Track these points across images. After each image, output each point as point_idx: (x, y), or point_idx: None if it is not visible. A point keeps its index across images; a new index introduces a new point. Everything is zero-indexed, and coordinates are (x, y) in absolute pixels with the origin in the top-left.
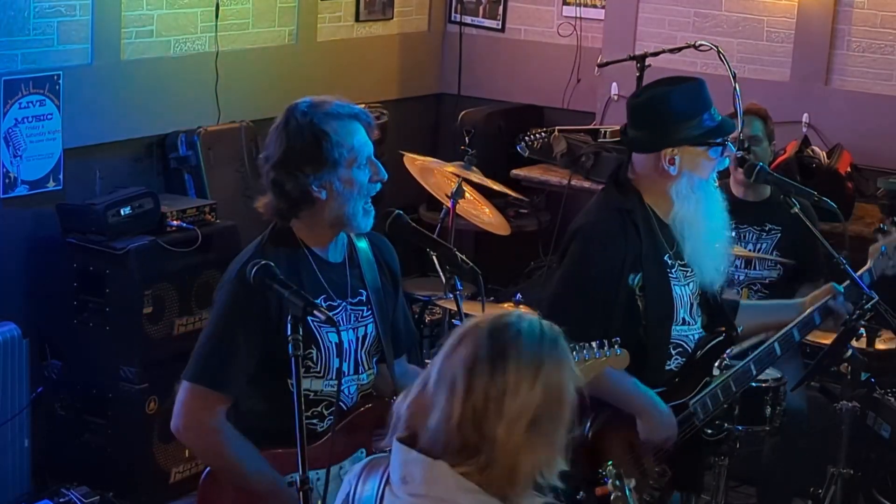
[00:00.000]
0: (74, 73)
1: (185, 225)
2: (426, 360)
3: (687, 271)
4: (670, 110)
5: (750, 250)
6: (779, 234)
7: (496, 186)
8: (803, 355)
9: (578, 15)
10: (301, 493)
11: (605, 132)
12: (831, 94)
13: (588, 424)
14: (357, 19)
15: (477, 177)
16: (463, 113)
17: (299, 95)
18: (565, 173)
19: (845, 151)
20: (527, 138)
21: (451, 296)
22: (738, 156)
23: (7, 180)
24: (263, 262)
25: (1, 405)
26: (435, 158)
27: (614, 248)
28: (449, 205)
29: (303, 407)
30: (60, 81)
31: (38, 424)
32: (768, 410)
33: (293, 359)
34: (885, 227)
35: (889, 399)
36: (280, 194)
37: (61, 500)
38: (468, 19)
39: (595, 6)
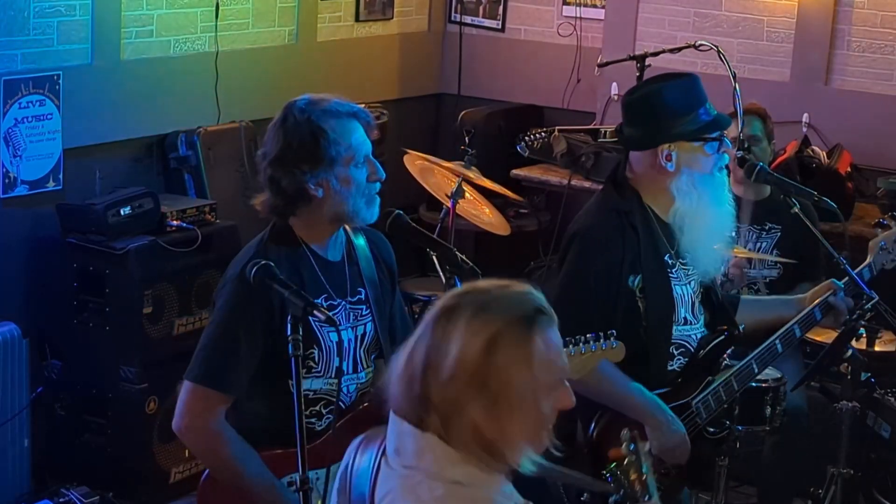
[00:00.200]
0: (74, 73)
1: (185, 225)
2: None
3: (688, 270)
4: (664, 106)
5: (750, 250)
6: (779, 234)
7: (496, 188)
8: (803, 355)
9: (578, 15)
10: (301, 493)
11: (605, 132)
12: (831, 94)
13: (593, 424)
14: (357, 19)
15: (476, 176)
16: (463, 113)
17: (299, 95)
18: (565, 173)
19: (845, 151)
20: (527, 138)
21: None
22: (739, 156)
23: (7, 180)
24: (263, 261)
25: (1, 405)
26: (436, 157)
27: (612, 251)
28: (449, 205)
29: (303, 407)
30: (60, 81)
31: (38, 424)
32: (768, 410)
33: (293, 359)
34: (885, 222)
35: (889, 399)
36: (277, 191)
37: (61, 500)
38: (468, 19)
39: (595, 6)
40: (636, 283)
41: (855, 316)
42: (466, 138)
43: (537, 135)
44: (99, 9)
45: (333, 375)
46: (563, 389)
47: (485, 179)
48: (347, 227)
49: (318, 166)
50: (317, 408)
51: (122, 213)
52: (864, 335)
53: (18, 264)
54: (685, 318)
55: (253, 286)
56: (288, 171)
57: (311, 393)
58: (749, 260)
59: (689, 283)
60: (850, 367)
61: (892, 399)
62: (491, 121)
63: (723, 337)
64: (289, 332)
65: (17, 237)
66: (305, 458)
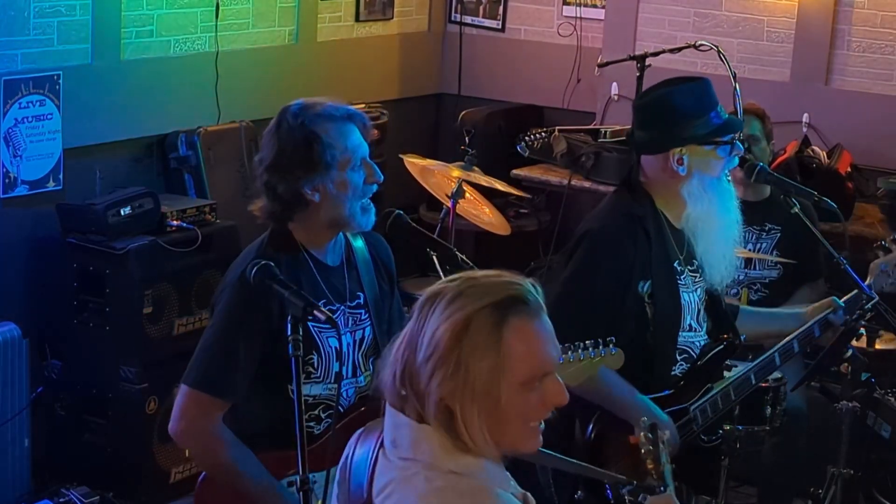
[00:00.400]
0: (74, 73)
1: (185, 225)
2: None
3: (696, 277)
4: (676, 109)
5: (749, 250)
6: (778, 234)
7: (499, 185)
8: (803, 355)
9: (578, 15)
10: (301, 493)
11: (606, 132)
12: (831, 94)
13: (590, 427)
14: (357, 19)
15: (476, 177)
16: (463, 113)
17: (299, 95)
18: (565, 173)
19: (845, 151)
20: (527, 138)
21: None
22: (742, 153)
23: (7, 180)
24: (263, 262)
25: (1, 405)
26: (436, 161)
27: (622, 255)
28: (449, 205)
29: (303, 408)
30: (60, 81)
31: (38, 424)
32: (768, 410)
33: (293, 359)
34: (886, 245)
35: (889, 399)
36: (273, 197)
37: (61, 500)
38: (468, 19)
39: (595, 6)
40: (646, 288)
41: (855, 316)
42: (466, 138)
43: (537, 135)
44: (99, 9)
45: (333, 381)
46: (549, 383)
47: (488, 178)
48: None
49: (313, 171)
50: (316, 412)
51: (122, 213)
52: (864, 335)
53: (18, 264)
54: (690, 325)
55: (253, 291)
56: (284, 177)
57: (311, 398)
58: (749, 260)
59: (696, 289)
60: (850, 367)
61: (892, 399)
62: (491, 121)
63: (724, 346)
64: (289, 333)
65: (17, 237)
66: (306, 458)
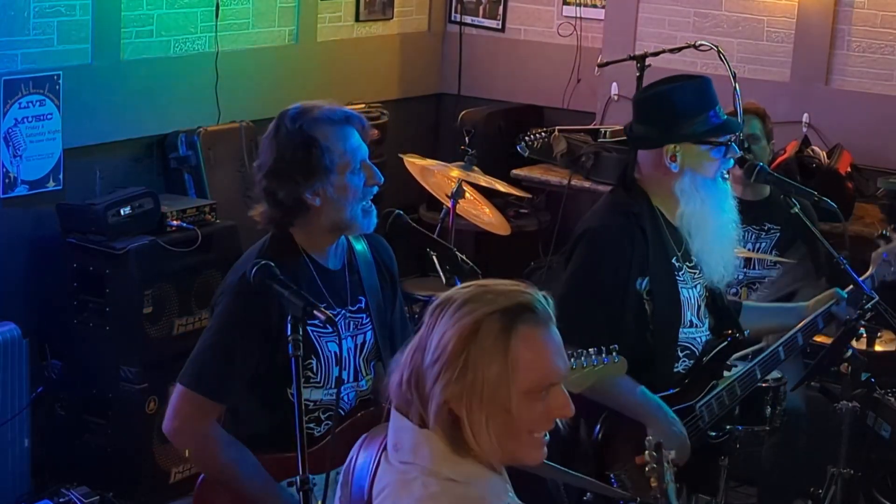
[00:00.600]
0: (74, 73)
1: (185, 225)
2: None
3: (695, 273)
4: (673, 106)
5: (749, 249)
6: (778, 234)
7: (499, 186)
8: (804, 355)
9: (578, 15)
10: (301, 493)
11: (606, 132)
12: (831, 94)
13: (598, 426)
14: (357, 19)
15: (476, 177)
16: (463, 113)
17: (299, 95)
18: (565, 173)
19: (845, 151)
20: (527, 138)
21: None
22: (738, 155)
23: (7, 180)
24: (263, 262)
25: (1, 405)
26: (436, 160)
27: (620, 253)
28: (449, 205)
29: (303, 408)
30: (60, 81)
31: (38, 424)
32: (768, 410)
33: (293, 359)
34: (887, 234)
35: (889, 399)
36: (274, 203)
37: (61, 500)
38: (468, 19)
39: (595, 6)
40: (644, 285)
41: (855, 316)
42: (466, 138)
43: (537, 135)
44: (99, 9)
45: (333, 386)
46: (554, 395)
47: (487, 178)
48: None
49: (313, 176)
50: (316, 414)
51: (122, 213)
52: (864, 335)
53: (18, 264)
54: (691, 322)
55: (252, 294)
56: (284, 182)
57: (311, 403)
58: (748, 260)
59: (696, 286)
60: (850, 367)
61: (892, 399)
62: (491, 121)
63: (727, 342)
64: (288, 333)
65: (17, 237)
66: (306, 458)
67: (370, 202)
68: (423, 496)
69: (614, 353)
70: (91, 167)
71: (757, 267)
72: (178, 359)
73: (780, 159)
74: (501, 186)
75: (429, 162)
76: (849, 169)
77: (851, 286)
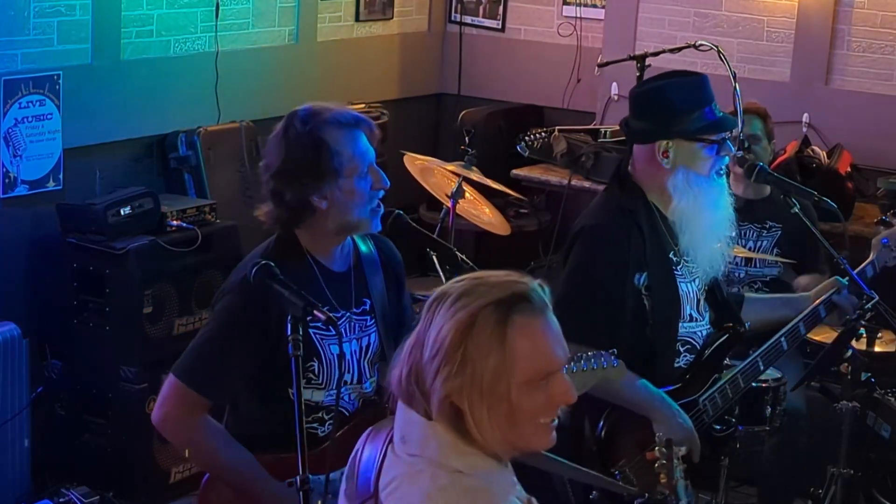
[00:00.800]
0: (74, 73)
1: (185, 225)
2: None
3: (692, 267)
4: (666, 102)
5: (750, 248)
6: (779, 232)
7: (497, 186)
8: (803, 355)
9: (578, 15)
10: (301, 492)
11: (606, 132)
12: (831, 94)
13: (601, 422)
14: (357, 19)
15: (477, 176)
16: (463, 113)
17: (299, 95)
18: (565, 173)
19: (845, 151)
20: (527, 138)
21: None
22: (739, 155)
23: (7, 180)
24: (264, 262)
25: (1, 405)
26: (436, 160)
27: (618, 250)
28: (449, 205)
29: (303, 408)
30: (60, 81)
31: (38, 424)
32: (768, 410)
33: (293, 359)
34: (887, 219)
35: (889, 399)
36: (280, 204)
37: (61, 500)
38: (468, 19)
39: (595, 6)
40: (642, 281)
41: (855, 316)
42: (466, 138)
43: (537, 135)
44: (99, 9)
45: (335, 388)
46: (555, 382)
47: (483, 178)
48: (354, 235)
49: (321, 179)
50: (319, 415)
51: (122, 213)
52: (864, 335)
53: (18, 264)
54: (691, 316)
55: (253, 295)
56: (291, 184)
57: (314, 404)
58: (749, 258)
59: (694, 280)
60: (850, 367)
61: (892, 399)
62: (491, 121)
63: (728, 335)
64: (288, 332)
65: (17, 237)
66: (306, 458)
67: (380, 203)
68: (431, 489)
69: (612, 357)
70: (91, 167)
71: (758, 265)
72: (178, 359)
73: (780, 159)
74: (500, 187)
75: (428, 160)
76: (849, 169)
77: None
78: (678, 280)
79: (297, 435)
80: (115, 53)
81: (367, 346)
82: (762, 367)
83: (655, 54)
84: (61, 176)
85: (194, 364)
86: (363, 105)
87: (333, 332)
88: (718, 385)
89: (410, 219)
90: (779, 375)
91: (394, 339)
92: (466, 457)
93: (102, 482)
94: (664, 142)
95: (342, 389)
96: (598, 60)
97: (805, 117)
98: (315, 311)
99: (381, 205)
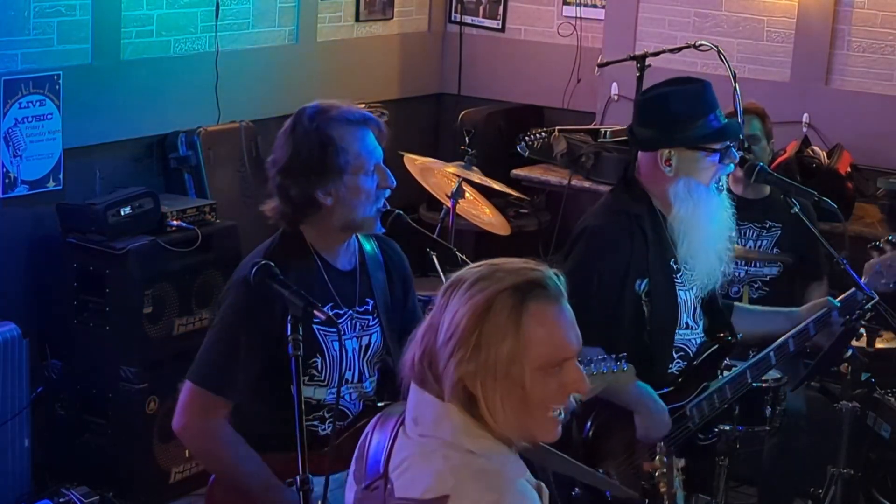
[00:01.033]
0: (74, 73)
1: (185, 225)
2: None
3: (691, 275)
4: (669, 111)
5: (750, 247)
6: (779, 231)
7: (497, 186)
8: (803, 355)
9: (578, 15)
10: (301, 492)
11: (606, 132)
12: (831, 94)
13: (589, 423)
14: (357, 19)
15: (478, 177)
16: (463, 113)
17: (299, 95)
18: (565, 173)
19: (845, 151)
20: (527, 138)
21: None
22: (737, 160)
23: (7, 180)
24: (263, 262)
25: (1, 405)
26: (435, 158)
27: (618, 253)
28: (449, 205)
29: (303, 407)
30: (60, 81)
31: (38, 424)
32: (768, 410)
33: (293, 359)
34: (881, 245)
35: (889, 399)
36: (286, 200)
37: (61, 500)
38: (468, 19)
39: (595, 6)
40: (643, 287)
41: (855, 316)
42: (466, 138)
43: (537, 135)
44: (99, 9)
45: (336, 385)
46: (568, 370)
47: (484, 177)
48: (359, 234)
49: (327, 176)
50: (320, 413)
51: (122, 213)
52: (864, 335)
53: (18, 264)
54: (686, 323)
55: (257, 291)
56: (297, 180)
57: (315, 402)
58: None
59: (692, 288)
60: (850, 367)
61: (892, 399)
62: (491, 121)
63: (719, 345)
64: (288, 332)
65: (17, 237)
66: (306, 458)
67: (386, 203)
68: (443, 468)
69: (622, 361)
70: (91, 167)
71: (758, 264)
72: (178, 359)
73: (780, 159)
74: (500, 186)
75: (428, 160)
76: (849, 169)
77: (844, 295)
78: (677, 287)
79: (297, 435)
80: (115, 53)
81: (368, 346)
82: (750, 379)
83: (655, 54)
84: (61, 176)
85: (206, 366)
86: (363, 105)
87: (335, 329)
88: (706, 394)
89: (410, 219)
90: (779, 375)
91: (399, 340)
92: (479, 439)
93: (102, 482)
94: (666, 150)
95: (343, 388)
96: (598, 60)
97: (805, 117)
98: (315, 311)
99: (388, 205)
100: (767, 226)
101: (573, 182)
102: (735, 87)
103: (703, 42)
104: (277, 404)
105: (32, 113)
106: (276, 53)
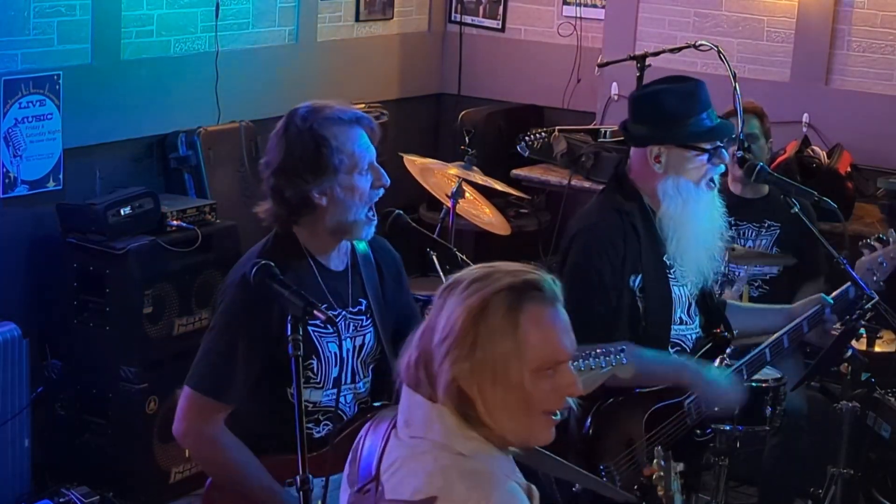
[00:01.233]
0: (74, 73)
1: (185, 225)
2: None
3: (684, 271)
4: (660, 108)
5: (749, 247)
6: (778, 231)
7: (497, 186)
8: (803, 355)
9: (578, 15)
10: (301, 493)
11: (606, 132)
12: (831, 94)
13: (588, 419)
14: (357, 19)
15: (478, 177)
16: (463, 113)
17: (299, 95)
18: (565, 173)
19: (845, 151)
20: (527, 138)
21: None
22: (738, 156)
23: (7, 180)
24: (263, 262)
25: (1, 405)
26: (435, 159)
27: (613, 250)
28: (449, 205)
29: (303, 408)
30: (60, 81)
31: (38, 424)
32: (768, 410)
33: (293, 359)
34: (871, 243)
35: (889, 399)
36: (280, 201)
37: (61, 500)
38: (468, 19)
39: (595, 6)
40: (637, 283)
41: (855, 316)
42: (466, 138)
43: (537, 135)
44: (99, 9)
45: (332, 387)
46: (562, 373)
47: (485, 177)
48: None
49: (321, 176)
50: (315, 416)
51: (122, 213)
52: (864, 335)
53: (18, 264)
54: (681, 319)
55: (253, 293)
56: (291, 180)
57: (311, 405)
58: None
59: (686, 283)
60: (850, 367)
61: (892, 399)
62: (491, 121)
63: (714, 341)
64: (288, 332)
65: (17, 237)
66: (306, 458)
67: (374, 212)
68: (433, 469)
69: (622, 355)
70: (91, 167)
71: (757, 264)
72: (178, 359)
73: (780, 159)
74: (500, 186)
75: (429, 161)
76: (849, 169)
77: (837, 291)
78: (671, 283)
79: (297, 435)
80: (115, 53)
81: (362, 346)
82: (745, 376)
83: (655, 54)
84: (61, 176)
85: (204, 371)
86: (363, 105)
87: (332, 331)
88: None
89: (410, 219)
90: (779, 375)
91: (392, 339)
92: (469, 441)
93: (102, 482)
94: (656, 147)
95: (339, 389)
96: (598, 60)
97: (805, 117)
98: (315, 312)
99: (376, 214)
100: (766, 225)
101: (573, 182)
102: (735, 87)
103: (703, 42)
104: (272, 405)
105: (32, 113)
106: (276, 53)
